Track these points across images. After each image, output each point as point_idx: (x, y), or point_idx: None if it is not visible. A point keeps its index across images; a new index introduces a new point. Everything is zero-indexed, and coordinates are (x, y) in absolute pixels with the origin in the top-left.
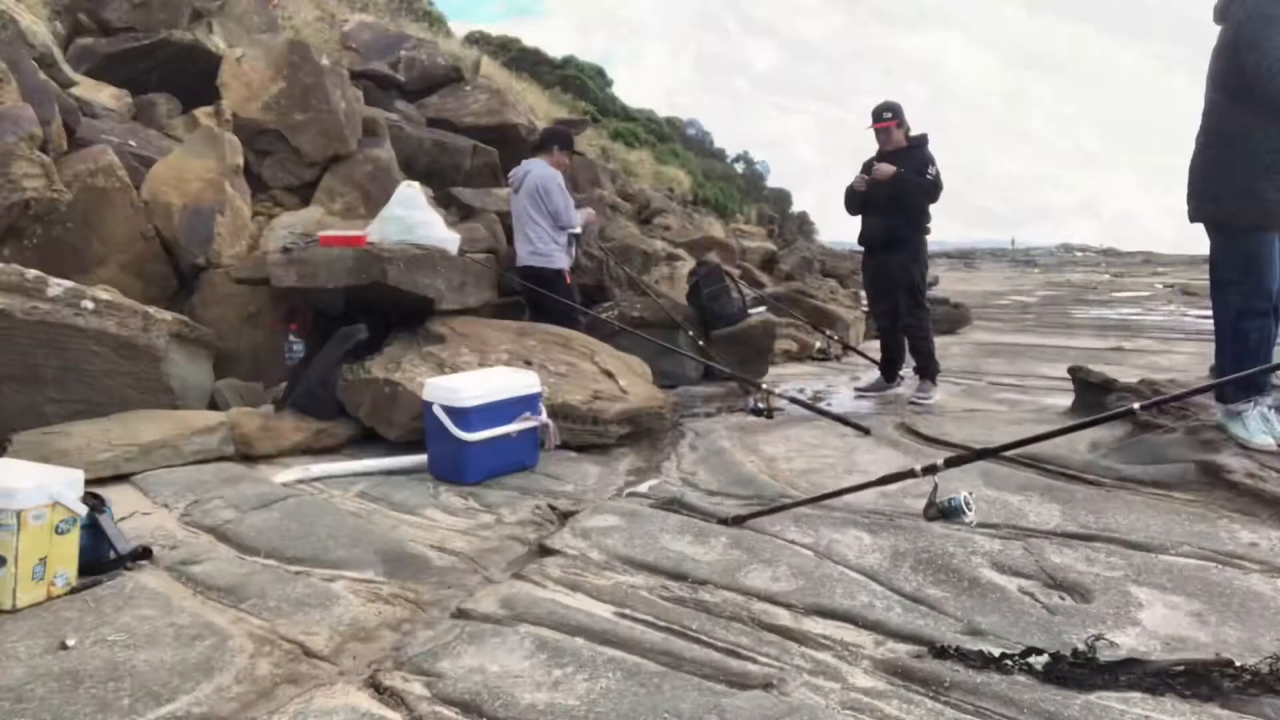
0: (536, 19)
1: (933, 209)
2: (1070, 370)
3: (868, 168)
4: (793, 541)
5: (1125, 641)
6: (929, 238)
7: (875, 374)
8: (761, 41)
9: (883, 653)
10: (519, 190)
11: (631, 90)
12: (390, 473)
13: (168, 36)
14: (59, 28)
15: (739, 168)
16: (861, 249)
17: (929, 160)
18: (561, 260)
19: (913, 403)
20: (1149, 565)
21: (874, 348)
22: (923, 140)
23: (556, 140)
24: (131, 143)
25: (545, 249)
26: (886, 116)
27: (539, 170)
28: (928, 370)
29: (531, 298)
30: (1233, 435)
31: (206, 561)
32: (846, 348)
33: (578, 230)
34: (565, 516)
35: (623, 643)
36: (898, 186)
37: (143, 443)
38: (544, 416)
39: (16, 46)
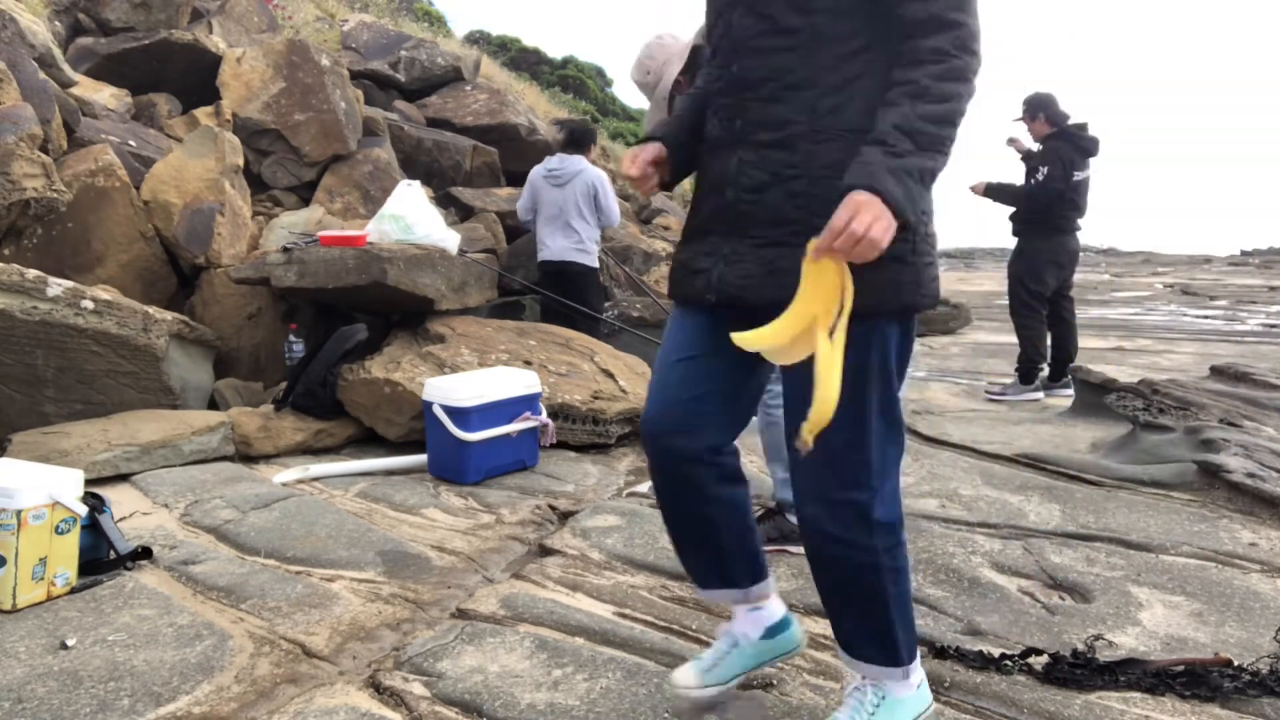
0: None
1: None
2: (1070, 370)
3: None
4: None
5: (1125, 641)
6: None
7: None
8: None
9: None
10: (567, 184)
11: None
12: (390, 473)
13: (168, 36)
14: (59, 28)
15: None
16: None
17: (1047, 160)
18: (596, 258)
19: (987, 390)
20: (1149, 565)
21: None
22: (1060, 134)
23: (591, 139)
24: (131, 143)
25: (589, 246)
26: (1023, 111)
27: (592, 170)
28: (1018, 367)
29: (563, 290)
30: None
31: (206, 561)
32: None
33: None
34: (565, 516)
35: (623, 643)
36: (995, 189)
37: (143, 443)
38: (544, 416)
39: (16, 46)
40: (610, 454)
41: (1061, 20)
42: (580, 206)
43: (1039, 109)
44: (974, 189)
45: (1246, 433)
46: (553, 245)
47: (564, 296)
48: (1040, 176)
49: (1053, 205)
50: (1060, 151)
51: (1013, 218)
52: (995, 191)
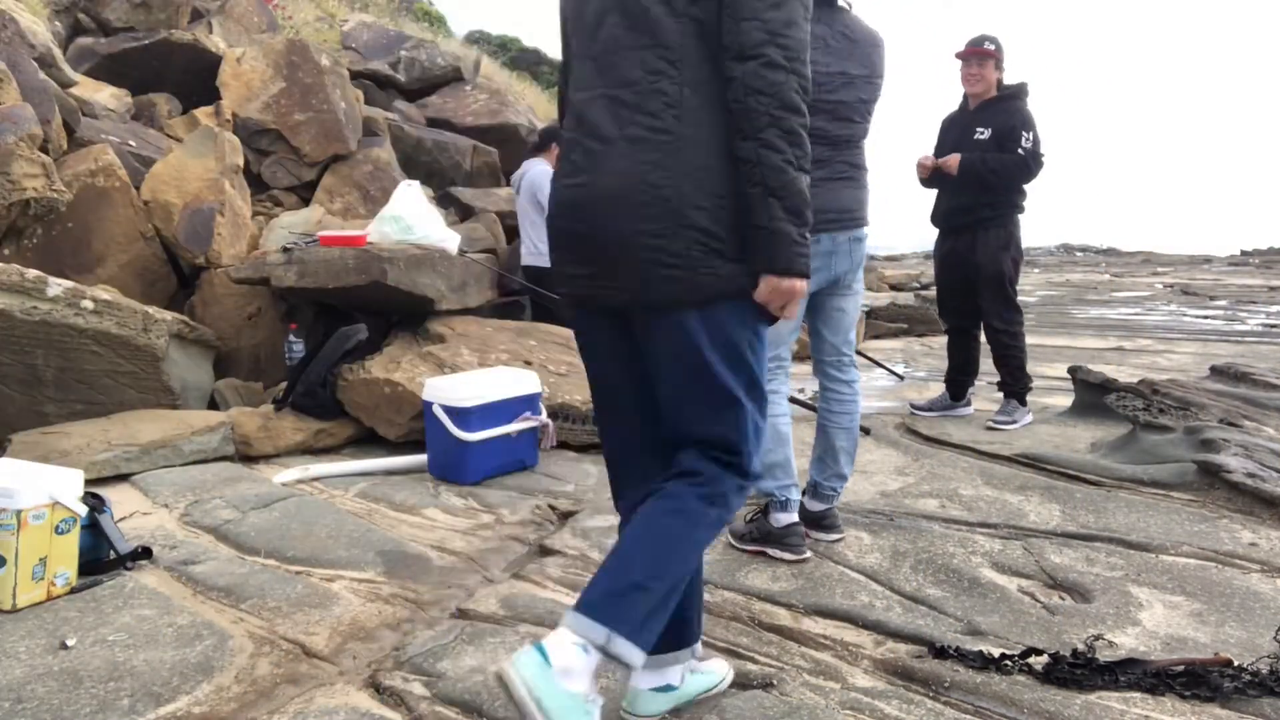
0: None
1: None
2: (1070, 370)
3: (947, 127)
4: None
5: (1125, 641)
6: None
7: (940, 390)
8: None
9: (883, 653)
10: (519, 191)
11: None
12: (390, 473)
13: (168, 36)
14: (59, 28)
15: None
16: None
17: (1026, 123)
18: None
19: (991, 426)
20: (1149, 565)
21: (872, 347)
22: (1019, 91)
23: (553, 138)
24: (131, 143)
25: (543, 248)
26: (988, 46)
27: (533, 170)
28: (1015, 387)
29: (533, 296)
30: None
31: (206, 561)
32: None
33: None
34: (565, 516)
35: None
36: (980, 166)
37: (143, 443)
38: (544, 416)
39: (16, 46)
40: None
41: (1058, 16)
42: (526, 209)
43: (1001, 53)
44: (944, 165)
45: (1246, 433)
46: (521, 251)
47: (540, 298)
48: (1028, 144)
49: (1033, 178)
50: (1032, 115)
51: (979, 200)
52: (974, 167)
